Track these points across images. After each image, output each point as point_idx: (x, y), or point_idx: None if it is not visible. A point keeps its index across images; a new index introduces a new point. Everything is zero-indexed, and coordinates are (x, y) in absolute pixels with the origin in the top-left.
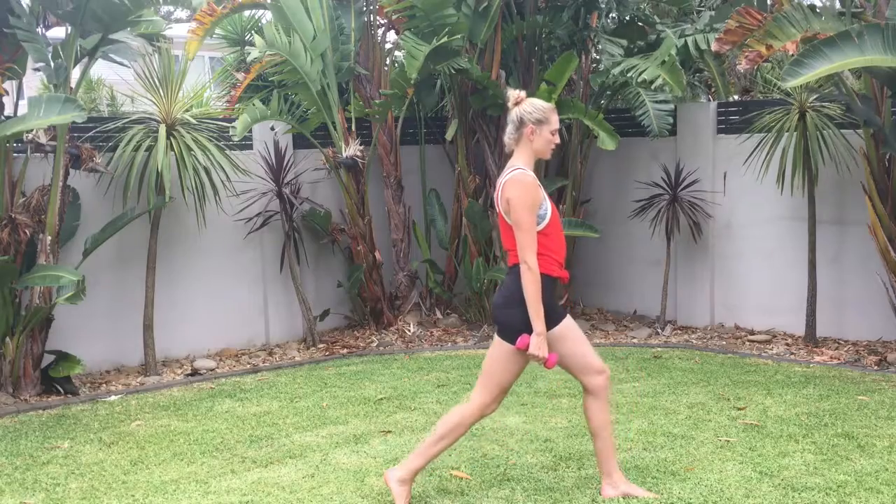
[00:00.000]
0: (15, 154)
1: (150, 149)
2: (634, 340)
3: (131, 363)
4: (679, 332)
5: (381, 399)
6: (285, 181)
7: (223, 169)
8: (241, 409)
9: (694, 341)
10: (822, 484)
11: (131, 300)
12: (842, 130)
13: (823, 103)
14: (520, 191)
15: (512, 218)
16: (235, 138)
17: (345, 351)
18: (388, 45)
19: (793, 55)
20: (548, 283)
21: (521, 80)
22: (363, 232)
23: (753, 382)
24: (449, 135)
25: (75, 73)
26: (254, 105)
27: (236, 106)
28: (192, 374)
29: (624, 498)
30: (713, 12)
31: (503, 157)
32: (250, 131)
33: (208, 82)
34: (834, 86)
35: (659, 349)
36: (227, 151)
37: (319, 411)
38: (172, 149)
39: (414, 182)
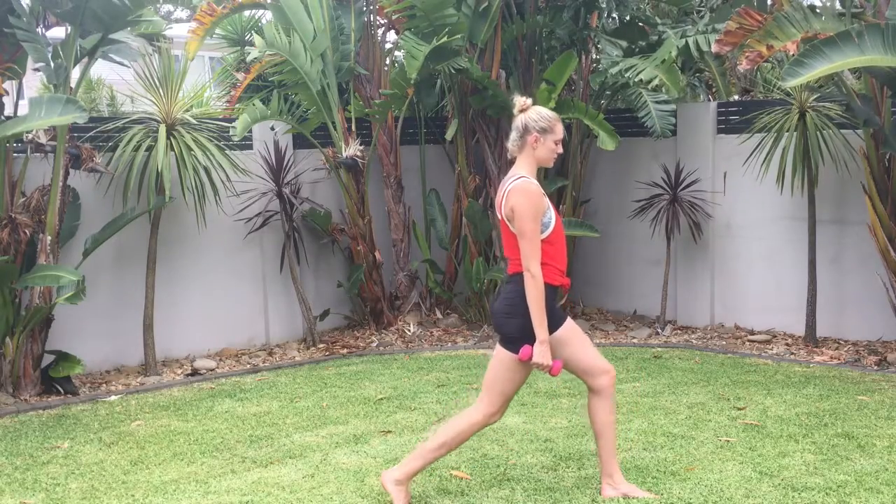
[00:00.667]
0: (15, 154)
1: (150, 149)
2: (634, 340)
3: (131, 363)
4: (679, 332)
5: (381, 399)
6: (285, 181)
7: (223, 169)
8: (241, 409)
9: (694, 341)
10: (822, 484)
11: (131, 300)
12: (842, 130)
13: (823, 103)
14: (524, 199)
15: (516, 227)
16: (235, 138)
17: (345, 351)
18: (388, 45)
19: (793, 55)
20: (549, 291)
21: (521, 80)
22: (363, 232)
23: (753, 382)
24: (449, 135)
25: (75, 73)
26: (254, 105)
27: (236, 106)
28: (192, 374)
29: (624, 498)
30: (713, 13)
31: (503, 157)
32: (250, 131)
33: (208, 82)
34: (834, 86)
35: (659, 349)
36: (227, 151)
37: (319, 411)
38: (172, 149)
39: (414, 182)
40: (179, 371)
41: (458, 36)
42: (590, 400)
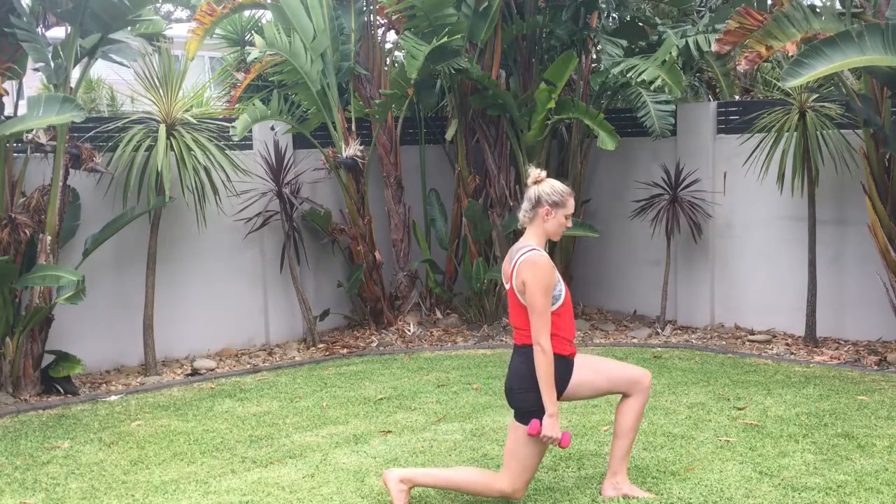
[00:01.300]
0: (15, 154)
1: (150, 149)
2: (634, 340)
3: (131, 363)
4: (679, 332)
5: (381, 399)
6: (285, 181)
7: (223, 169)
8: (241, 409)
9: (694, 341)
10: (822, 484)
11: (131, 300)
12: (842, 130)
13: (823, 103)
14: (536, 273)
15: (527, 301)
16: (235, 138)
17: (345, 351)
18: (388, 45)
19: (793, 55)
20: (558, 362)
21: (521, 79)
22: (363, 232)
23: (753, 382)
24: (449, 135)
25: (75, 73)
26: (254, 105)
27: (236, 106)
28: (192, 374)
29: (624, 498)
30: (713, 14)
31: (503, 157)
32: (250, 131)
33: (208, 82)
34: (834, 86)
35: (659, 349)
36: (227, 151)
37: (319, 411)
38: (172, 149)
39: (414, 182)
40: (179, 371)
41: (458, 36)
42: (624, 400)
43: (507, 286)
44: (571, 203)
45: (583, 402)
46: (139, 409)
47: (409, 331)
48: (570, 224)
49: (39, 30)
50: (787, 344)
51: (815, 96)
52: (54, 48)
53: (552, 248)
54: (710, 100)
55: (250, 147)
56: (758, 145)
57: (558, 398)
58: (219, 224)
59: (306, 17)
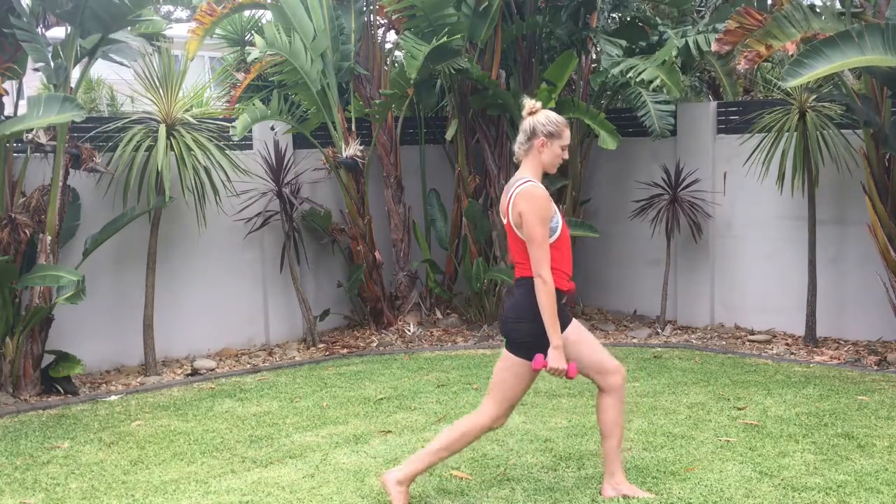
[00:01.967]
0: (15, 154)
1: (150, 149)
2: (634, 340)
3: (131, 363)
4: (679, 332)
5: (381, 399)
6: (285, 181)
7: (223, 169)
8: (241, 409)
9: (694, 341)
10: (822, 484)
11: (131, 300)
12: (842, 130)
13: (823, 103)
14: (532, 204)
15: (525, 232)
16: (235, 138)
17: (345, 351)
18: (388, 45)
19: (793, 55)
20: (557, 296)
21: (521, 79)
22: (363, 232)
23: (753, 382)
24: (449, 135)
25: (75, 73)
26: (254, 105)
27: (236, 106)
28: (192, 374)
29: (623, 498)
30: (713, 14)
31: (503, 157)
32: (250, 131)
33: (208, 82)
34: (834, 86)
35: (659, 349)
36: (227, 151)
37: (319, 411)
38: (172, 149)
39: (414, 182)
40: (179, 371)
41: (458, 36)
42: (600, 398)
43: (505, 221)
44: (567, 134)
45: (583, 403)
46: (139, 409)
47: (409, 331)
48: (566, 156)
49: (39, 30)
50: (787, 344)
51: (815, 96)
52: (54, 48)
53: None
54: (710, 100)
55: (250, 147)
56: (758, 145)
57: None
58: (219, 224)
59: (306, 17)
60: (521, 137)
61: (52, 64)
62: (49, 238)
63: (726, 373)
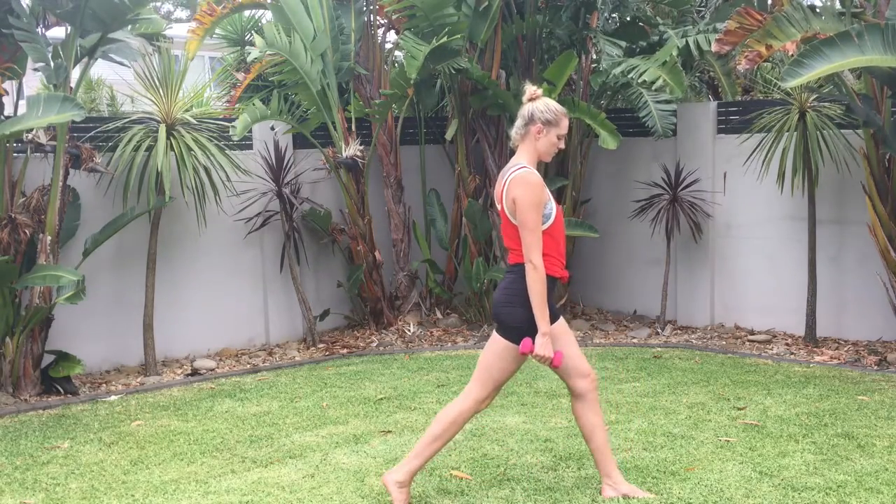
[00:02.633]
0: (15, 154)
1: (150, 149)
2: (634, 340)
3: (131, 363)
4: (679, 332)
5: (381, 399)
6: (285, 181)
7: (223, 169)
8: (241, 409)
9: (694, 341)
10: (822, 484)
11: (131, 300)
12: (842, 130)
13: (823, 103)
14: (526, 190)
15: (518, 217)
16: (235, 138)
17: (345, 351)
18: (388, 45)
19: (792, 55)
20: (549, 283)
21: (521, 79)
22: (363, 232)
23: (753, 382)
24: (449, 135)
25: (75, 73)
26: (254, 105)
27: (236, 106)
28: (192, 374)
29: (623, 498)
30: (714, 13)
31: (503, 157)
32: (250, 131)
33: (208, 82)
34: (834, 86)
35: (659, 349)
36: (227, 151)
37: (319, 411)
38: (172, 149)
39: (414, 182)
40: (179, 371)
41: (458, 36)
42: (574, 404)
43: (499, 207)
44: (565, 123)
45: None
46: (139, 409)
47: (409, 331)
48: (562, 145)
49: (39, 30)
50: (787, 344)
51: (815, 96)
52: (54, 48)
53: None
54: (710, 99)
55: (250, 147)
56: (758, 145)
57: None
58: (219, 224)
59: (306, 17)
60: (518, 122)
61: (51, 64)
62: (49, 238)
63: (726, 373)
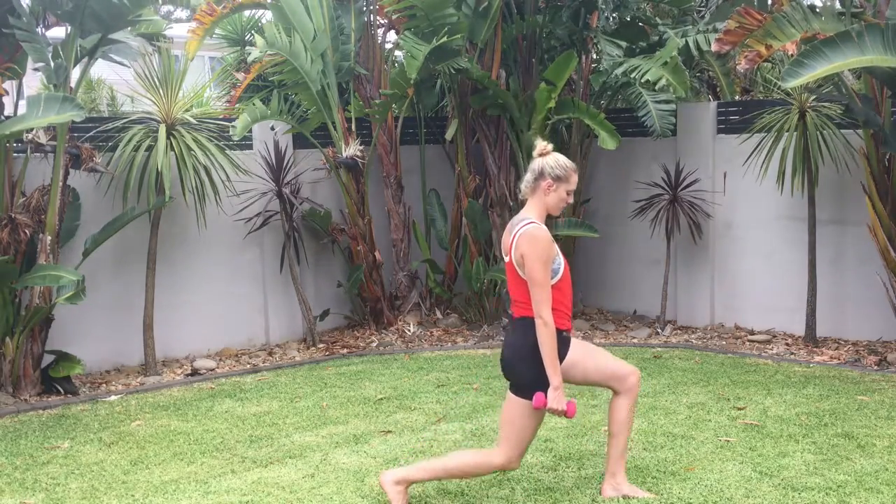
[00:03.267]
0: (15, 154)
1: (150, 149)
2: (634, 340)
3: (131, 363)
4: (679, 332)
5: (381, 399)
6: (285, 181)
7: (223, 169)
8: (241, 409)
9: (694, 341)
10: (822, 484)
11: (131, 300)
12: (842, 130)
13: (823, 103)
14: (535, 246)
15: (527, 274)
16: (235, 138)
17: (345, 351)
18: (388, 45)
19: (792, 55)
20: (558, 336)
21: (521, 79)
22: (363, 232)
23: (753, 382)
24: (449, 135)
25: (75, 73)
26: (254, 105)
27: (236, 106)
28: (192, 374)
29: (623, 498)
30: (714, 13)
31: (503, 157)
32: (250, 131)
33: (208, 82)
34: (834, 86)
35: (659, 349)
36: (227, 151)
37: (319, 411)
38: (172, 149)
39: (414, 182)
40: (179, 371)
41: (458, 36)
42: (613, 398)
43: (507, 259)
44: (574, 178)
45: (583, 403)
46: (139, 409)
47: (409, 331)
48: (570, 200)
49: (39, 30)
50: (787, 344)
51: (815, 96)
52: (54, 48)
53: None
54: (710, 99)
55: (250, 147)
56: (758, 145)
57: None
58: (219, 224)
59: (306, 17)
60: (528, 177)
61: (52, 64)
62: (49, 238)
63: (726, 373)
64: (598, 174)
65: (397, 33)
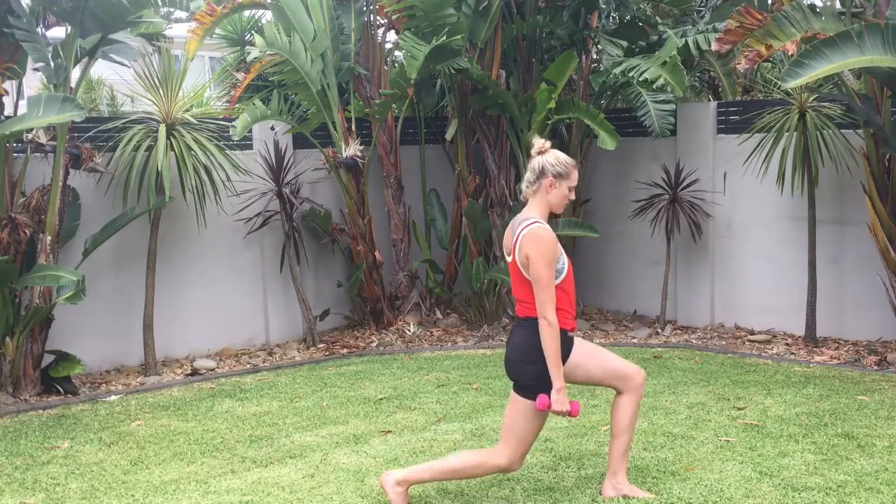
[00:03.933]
0: (15, 154)
1: (150, 149)
2: (634, 340)
3: (131, 363)
4: (679, 332)
5: (381, 399)
6: (285, 181)
7: (223, 169)
8: (241, 409)
9: (694, 341)
10: (822, 484)
11: (131, 300)
12: (842, 130)
13: (823, 103)
14: (539, 246)
15: (531, 274)
16: (235, 138)
17: (345, 351)
18: (388, 45)
19: (793, 55)
20: (562, 336)
21: (521, 79)
22: (363, 232)
23: (753, 382)
24: (449, 135)
25: (75, 73)
26: (254, 105)
27: (236, 106)
28: (192, 374)
29: (623, 498)
30: (714, 12)
31: (503, 157)
32: (250, 131)
33: (208, 82)
34: (834, 86)
35: (659, 349)
36: (227, 151)
37: (319, 411)
38: (172, 149)
39: (414, 182)
40: (179, 371)
41: (458, 36)
42: (616, 397)
43: (509, 259)
44: (575, 175)
45: (583, 403)
46: (139, 409)
47: (409, 331)
48: (573, 196)
49: (39, 30)
50: (787, 344)
51: (815, 96)
52: (54, 48)
53: None
54: (710, 99)
55: (250, 147)
56: (758, 145)
57: None
58: (219, 224)
59: (306, 17)
60: (529, 176)
61: (52, 64)
62: (49, 238)
63: (726, 373)
64: (598, 174)
65: (397, 33)
